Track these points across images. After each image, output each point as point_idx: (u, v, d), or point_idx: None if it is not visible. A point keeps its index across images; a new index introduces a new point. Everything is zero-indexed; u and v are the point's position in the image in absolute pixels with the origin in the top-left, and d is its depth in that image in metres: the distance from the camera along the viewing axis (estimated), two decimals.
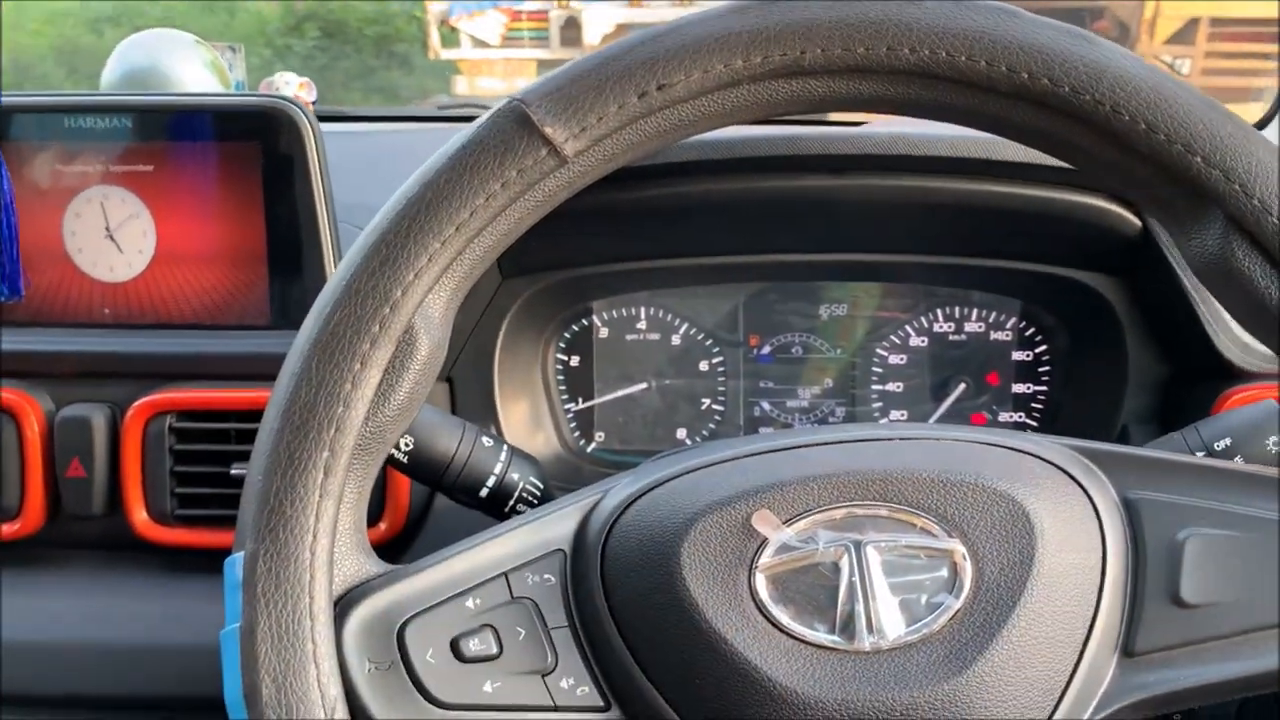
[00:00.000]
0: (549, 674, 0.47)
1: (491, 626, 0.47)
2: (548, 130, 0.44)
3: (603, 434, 0.93)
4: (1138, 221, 0.78)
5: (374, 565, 0.48)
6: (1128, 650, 0.46)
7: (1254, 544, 0.46)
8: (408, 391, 0.45)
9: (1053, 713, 0.45)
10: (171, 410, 0.79)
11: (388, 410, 0.45)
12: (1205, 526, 0.46)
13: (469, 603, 0.47)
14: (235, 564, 0.43)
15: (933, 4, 0.44)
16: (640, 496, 0.49)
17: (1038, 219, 0.79)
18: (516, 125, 0.44)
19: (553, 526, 0.49)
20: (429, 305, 0.46)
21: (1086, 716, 0.46)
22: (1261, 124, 1.09)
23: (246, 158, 0.78)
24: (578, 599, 0.48)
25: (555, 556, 0.48)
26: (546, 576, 0.48)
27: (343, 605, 0.46)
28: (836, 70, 0.44)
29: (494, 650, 0.46)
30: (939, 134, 0.75)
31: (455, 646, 0.46)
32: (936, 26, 0.43)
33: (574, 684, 0.47)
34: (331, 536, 0.44)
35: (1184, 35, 5.36)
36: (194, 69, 0.98)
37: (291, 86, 1.07)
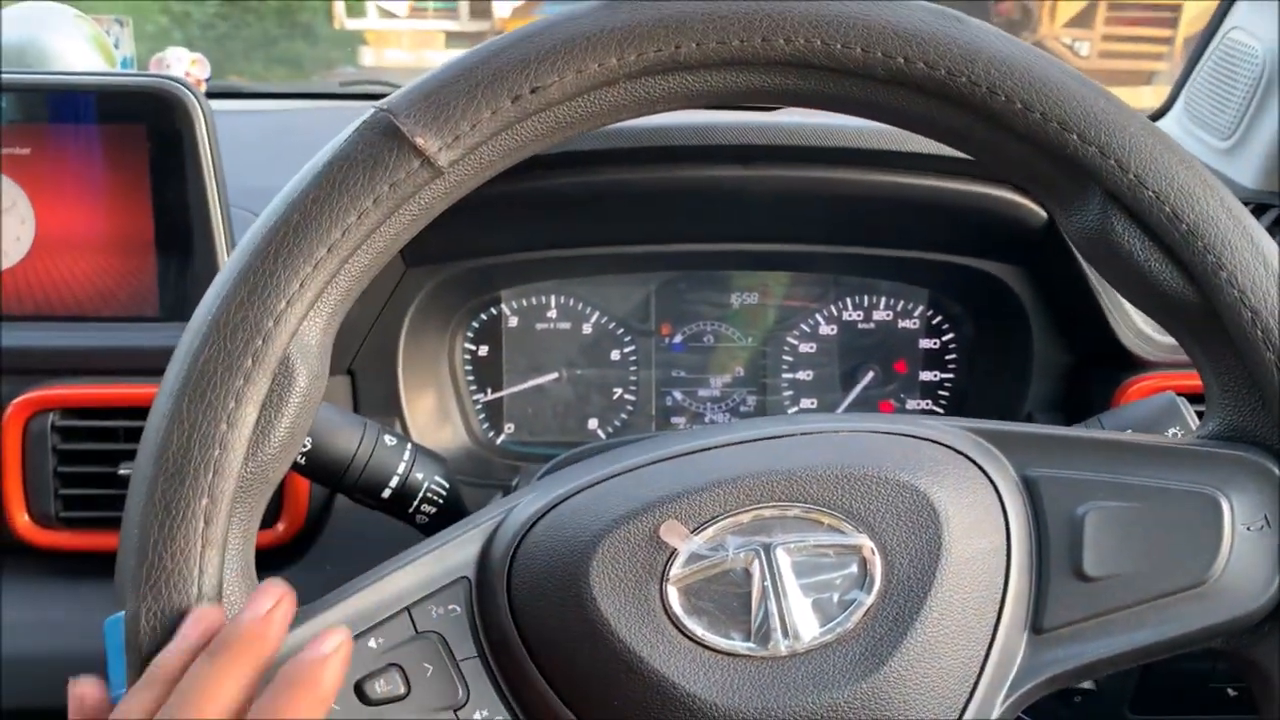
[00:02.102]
0: (461, 708, 0.45)
1: (397, 665, 0.45)
2: (419, 141, 0.42)
3: (512, 425, 0.91)
4: (1042, 213, 0.79)
5: None
6: (1037, 628, 0.47)
7: (1150, 513, 0.47)
8: (288, 426, 0.43)
9: (969, 697, 0.46)
10: (54, 408, 0.75)
11: (269, 448, 0.43)
12: (1103, 499, 0.47)
13: (371, 643, 0.45)
14: (118, 625, 0.41)
15: None
16: (544, 515, 0.47)
17: (944, 210, 0.79)
18: (385, 137, 0.42)
19: (454, 553, 0.47)
20: (305, 333, 0.43)
21: (1001, 697, 0.46)
22: (1161, 111, 1.12)
23: (131, 140, 0.74)
24: (485, 627, 0.46)
25: (459, 585, 0.47)
26: (452, 607, 0.46)
27: None
28: (713, 64, 0.44)
29: (401, 690, 0.45)
30: (847, 125, 0.75)
31: (360, 690, 0.44)
32: (810, 14, 0.43)
33: (488, 715, 0.46)
34: (218, 588, 0.42)
35: (1083, 18, 5.52)
36: (76, 45, 0.93)
37: (183, 63, 1.02)
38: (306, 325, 0.43)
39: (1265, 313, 0.45)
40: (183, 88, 0.73)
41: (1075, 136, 0.44)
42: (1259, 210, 0.89)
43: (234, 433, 0.41)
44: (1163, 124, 1.10)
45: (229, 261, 0.43)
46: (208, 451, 0.41)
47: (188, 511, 0.41)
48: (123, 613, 0.41)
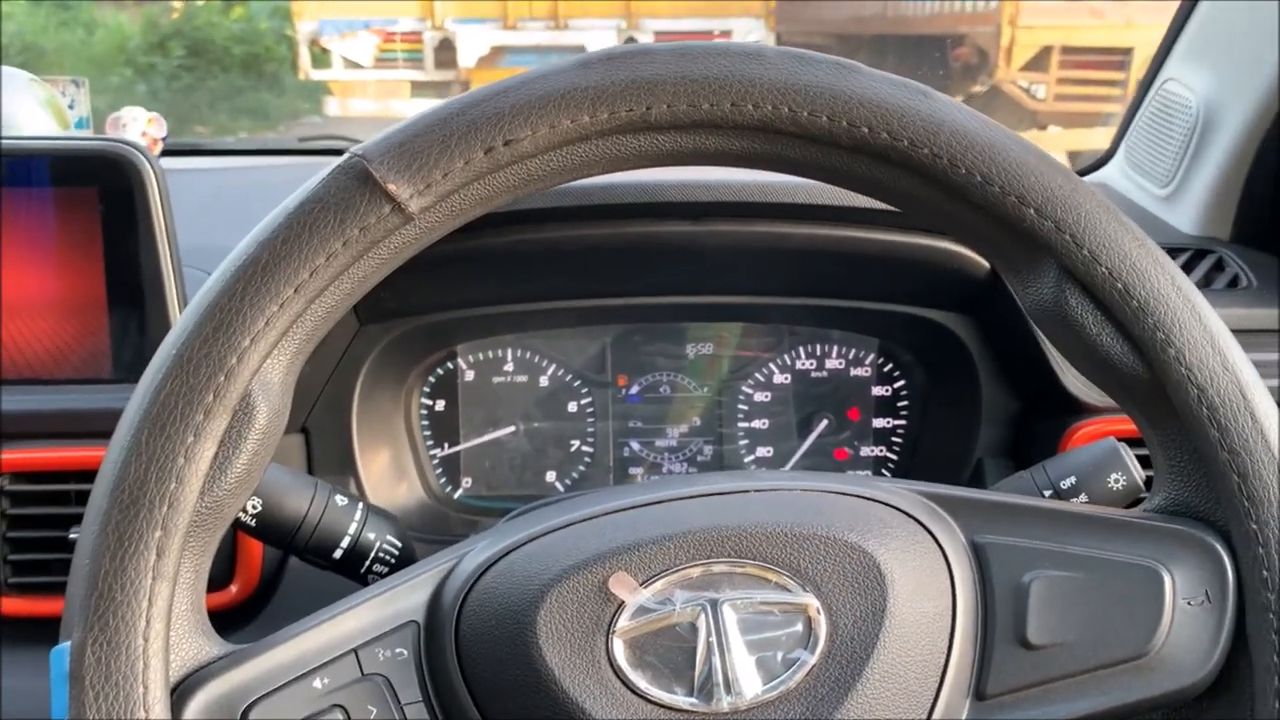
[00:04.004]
0: None
1: (341, 706, 0.45)
2: (390, 187, 0.43)
3: (470, 480, 0.91)
4: (986, 264, 0.80)
5: (215, 647, 0.46)
6: (979, 693, 0.47)
7: (1093, 584, 0.48)
8: (246, 463, 0.44)
9: None
10: (4, 472, 0.74)
11: (225, 483, 0.43)
12: (1049, 568, 0.48)
13: (316, 683, 0.45)
14: (62, 655, 0.41)
15: (775, 59, 0.44)
16: (496, 562, 0.48)
17: (891, 262, 0.81)
18: (357, 182, 0.43)
19: (405, 597, 0.48)
20: (267, 371, 0.44)
21: None
22: (1104, 159, 1.15)
23: (83, 203, 0.74)
24: (432, 672, 0.47)
25: (408, 629, 0.47)
26: (399, 650, 0.47)
27: (181, 692, 0.44)
28: (682, 125, 0.45)
29: None
30: (792, 181, 0.76)
31: None
32: (779, 82, 0.44)
33: None
34: (166, 621, 0.42)
35: (1038, 62, 5.64)
36: (29, 108, 0.93)
37: (139, 122, 1.02)
38: (270, 363, 0.44)
39: (1210, 390, 0.45)
40: (135, 151, 0.73)
41: (1032, 211, 0.45)
42: (1198, 255, 0.91)
43: (190, 466, 0.41)
44: (1105, 171, 1.13)
45: (196, 297, 0.43)
46: (163, 484, 0.41)
47: (140, 543, 0.41)
48: (69, 643, 0.41)
